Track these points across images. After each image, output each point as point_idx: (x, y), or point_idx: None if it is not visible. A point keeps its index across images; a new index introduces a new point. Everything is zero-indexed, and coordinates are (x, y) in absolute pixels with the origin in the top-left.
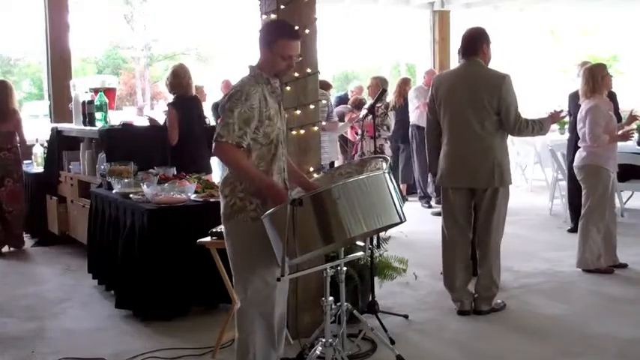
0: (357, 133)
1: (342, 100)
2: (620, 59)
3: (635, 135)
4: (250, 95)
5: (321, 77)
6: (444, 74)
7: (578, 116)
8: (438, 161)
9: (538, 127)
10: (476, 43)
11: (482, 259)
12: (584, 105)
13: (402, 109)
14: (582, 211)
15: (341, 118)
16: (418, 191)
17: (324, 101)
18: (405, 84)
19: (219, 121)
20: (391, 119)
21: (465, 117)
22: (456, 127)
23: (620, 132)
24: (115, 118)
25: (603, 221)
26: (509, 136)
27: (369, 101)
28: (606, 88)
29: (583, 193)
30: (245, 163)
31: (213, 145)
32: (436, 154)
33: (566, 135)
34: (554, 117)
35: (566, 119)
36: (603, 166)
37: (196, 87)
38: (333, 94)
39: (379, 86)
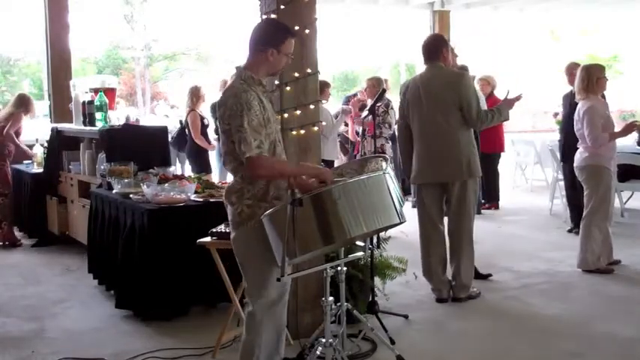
0: (357, 133)
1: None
2: (620, 59)
3: (635, 135)
4: (250, 103)
5: (321, 77)
6: (410, 80)
7: (575, 117)
8: (411, 163)
9: (497, 115)
10: (437, 48)
11: (456, 249)
12: (581, 106)
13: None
14: (584, 212)
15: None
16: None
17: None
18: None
19: (232, 138)
20: (392, 117)
21: (431, 116)
22: (424, 127)
23: (622, 128)
24: (124, 114)
25: (605, 222)
26: (505, 134)
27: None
28: (600, 90)
29: (585, 193)
30: (278, 165)
31: (245, 164)
32: (409, 157)
33: None
34: (508, 102)
35: (559, 118)
36: (605, 165)
37: (195, 87)
38: (335, 94)
39: (376, 87)
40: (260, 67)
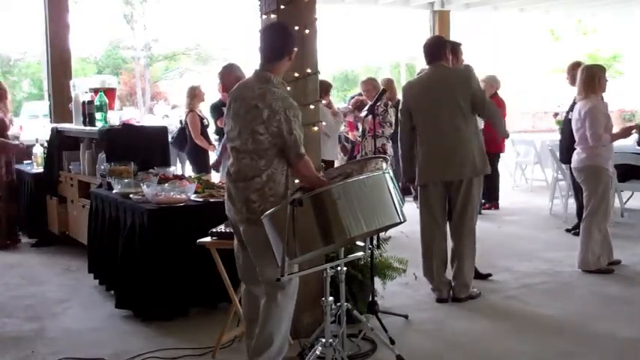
0: (358, 136)
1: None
2: (620, 59)
3: (635, 135)
4: (296, 107)
5: (321, 77)
6: (412, 81)
7: (575, 117)
8: (412, 166)
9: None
10: (439, 49)
11: (458, 249)
12: (581, 106)
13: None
14: (584, 213)
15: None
16: (414, 191)
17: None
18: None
19: (292, 137)
20: (392, 116)
21: (438, 115)
22: (430, 126)
23: (620, 130)
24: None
25: (605, 222)
26: (507, 134)
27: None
28: (601, 91)
29: (584, 194)
30: (314, 170)
31: (296, 162)
32: (411, 158)
33: None
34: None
35: (559, 118)
36: (604, 166)
37: (192, 87)
38: (335, 94)
39: (375, 88)
40: (282, 71)
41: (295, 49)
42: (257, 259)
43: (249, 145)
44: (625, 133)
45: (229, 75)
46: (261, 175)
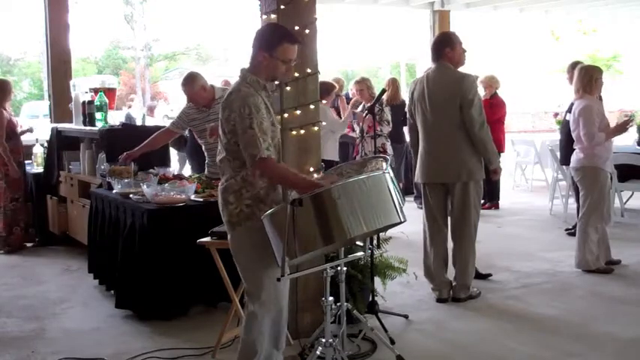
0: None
1: (346, 99)
2: (620, 59)
3: (635, 135)
4: (258, 106)
5: (321, 77)
6: (418, 79)
7: (571, 117)
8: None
9: (494, 151)
10: (439, 48)
11: (458, 250)
12: (576, 106)
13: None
14: (580, 213)
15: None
16: (414, 192)
17: None
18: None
19: (237, 140)
20: (387, 114)
21: (434, 117)
22: (427, 127)
23: (615, 125)
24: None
25: (602, 222)
26: (505, 135)
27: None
28: (597, 92)
29: (581, 194)
30: (287, 171)
31: (252, 164)
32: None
33: None
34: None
35: (559, 118)
36: (601, 167)
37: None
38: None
39: (369, 88)
40: (259, 71)
41: (270, 52)
42: (237, 267)
43: (225, 145)
44: (621, 128)
45: (192, 84)
46: (236, 177)
